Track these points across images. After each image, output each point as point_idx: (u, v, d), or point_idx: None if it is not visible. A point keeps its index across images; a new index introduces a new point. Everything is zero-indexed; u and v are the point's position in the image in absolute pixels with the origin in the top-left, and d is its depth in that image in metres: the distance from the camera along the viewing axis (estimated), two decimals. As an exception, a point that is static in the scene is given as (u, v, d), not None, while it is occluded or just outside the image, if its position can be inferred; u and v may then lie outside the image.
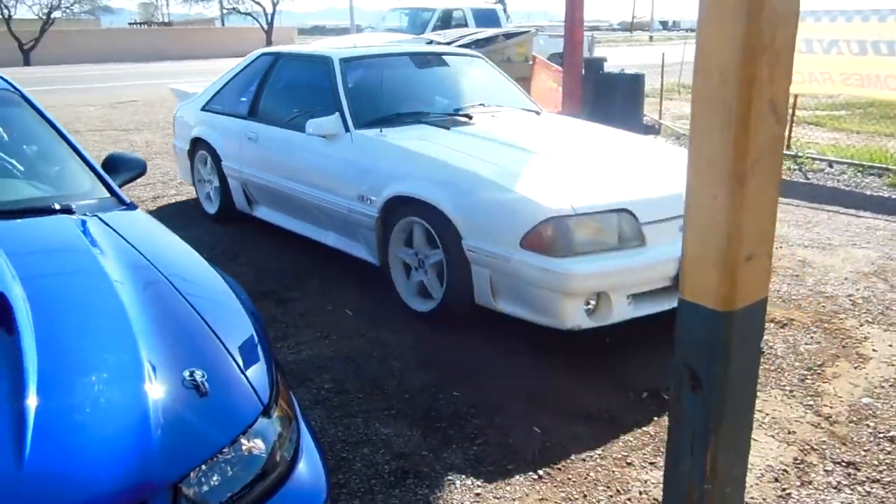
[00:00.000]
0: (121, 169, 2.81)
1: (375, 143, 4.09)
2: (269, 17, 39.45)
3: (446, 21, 13.23)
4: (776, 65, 1.22)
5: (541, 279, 3.19)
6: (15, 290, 1.67)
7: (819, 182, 6.92)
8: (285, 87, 5.10)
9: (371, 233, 4.00)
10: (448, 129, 4.21)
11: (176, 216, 5.62)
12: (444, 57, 5.35)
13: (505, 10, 14.32)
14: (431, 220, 3.61)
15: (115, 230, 2.19)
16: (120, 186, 2.76)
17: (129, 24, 43.73)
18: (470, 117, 4.47)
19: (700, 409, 1.39)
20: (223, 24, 45.38)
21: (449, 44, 10.82)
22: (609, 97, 9.05)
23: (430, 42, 11.37)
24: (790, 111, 8.18)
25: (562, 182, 3.48)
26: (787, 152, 7.84)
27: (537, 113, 4.98)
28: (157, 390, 1.51)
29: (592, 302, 3.27)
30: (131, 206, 2.53)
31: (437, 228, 3.58)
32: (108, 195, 2.54)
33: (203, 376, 1.56)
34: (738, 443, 1.44)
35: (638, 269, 3.30)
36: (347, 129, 4.24)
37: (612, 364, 3.35)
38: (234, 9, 42.00)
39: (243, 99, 5.26)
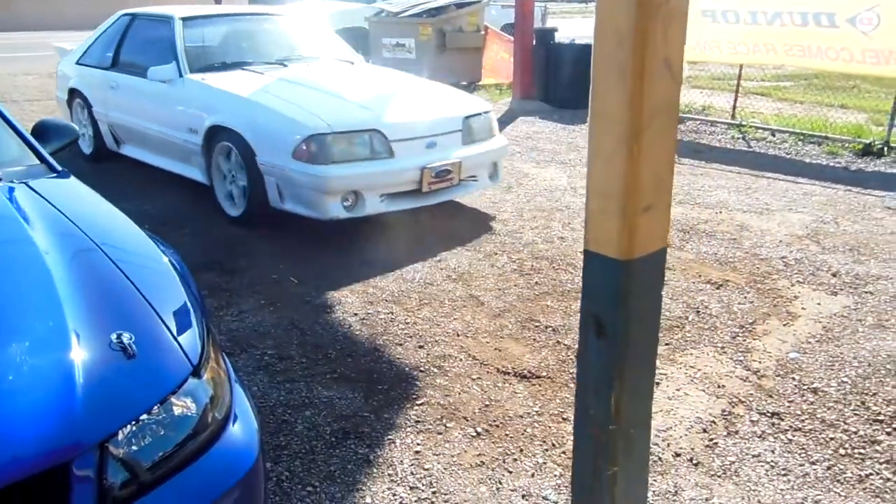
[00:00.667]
0: (52, 136, 2.76)
1: (199, 85, 5.03)
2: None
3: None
4: (670, 23, 1.27)
5: (307, 182, 4.21)
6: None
7: (761, 150, 7.09)
8: (139, 42, 5.94)
9: (200, 158, 4.98)
10: (262, 73, 5.16)
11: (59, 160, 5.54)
12: (276, 17, 6.39)
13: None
14: (237, 143, 4.57)
15: (43, 197, 2.16)
16: (52, 154, 2.72)
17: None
18: (285, 65, 5.44)
19: (604, 355, 1.45)
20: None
21: (399, 13, 10.76)
22: (559, 67, 9.09)
23: (381, 12, 11.28)
24: (736, 82, 8.34)
25: (331, 110, 4.44)
26: (732, 121, 8.00)
27: (351, 63, 5.88)
28: (81, 354, 1.51)
29: (351, 199, 4.27)
30: (63, 174, 2.49)
31: (240, 150, 4.55)
32: (37, 162, 2.50)
33: (131, 338, 1.57)
34: (641, 386, 1.52)
35: (386, 175, 4.34)
36: (181, 75, 5.16)
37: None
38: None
39: (108, 53, 6.15)
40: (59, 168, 2.51)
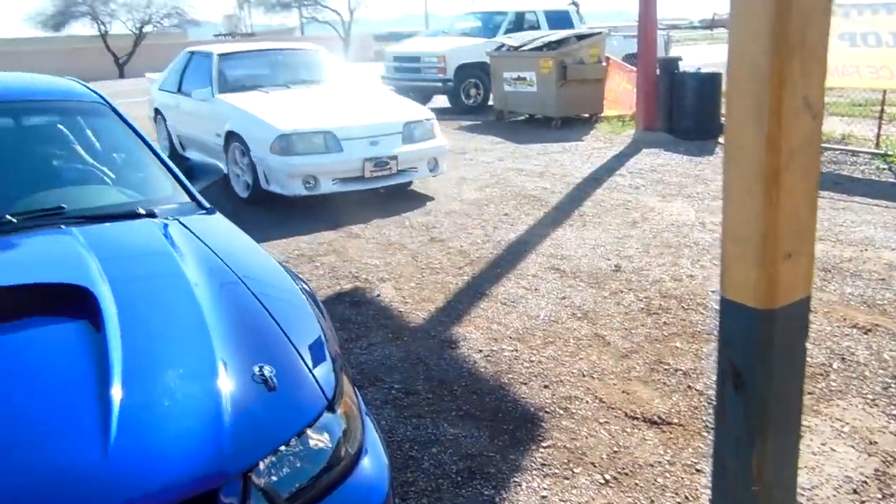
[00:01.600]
0: (200, 175, 2.96)
1: (223, 102, 6.88)
2: (346, 26, 40.25)
3: (519, 24, 13.19)
4: (808, 61, 1.20)
5: (280, 168, 5.97)
6: (103, 289, 1.79)
7: (911, 182, 6.59)
8: (193, 72, 7.93)
9: (223, 155, 6.65)
10: (267, 93, 7.00)
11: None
12: (294, 51, 8.68)
13: (578, 12, 14.13)
14: (241, 143, 6.39)
15: (194, 233, 2.31)
16: (200, 191, 2.91)
17: (214, 35, 45.34)
18: (288, 87, 7.30)
19: (743, 409, 1.36)
20: (302, 34, 46.56)
21: (518, 47, 10.84)
22: (684, 97, 8.85)
23: (501, 46, 11.41)
24: (880, 108, 7.81)
25: (300, 117, 6.24)
26: (876, 151, 7.49)
27: (344, 84, 7.71)
28: (227, 385, 1.59)
29: (311, 181, 5.98)
30: (211, 210, 2.65)
31: (244, 148, 6.36)
32: (188, 200, 2.67)
33: (272, 372, 1.63)
34: (785, 445, 1.41)
35: (335, 164, 6.06)
36: (213, 95, 7.05)
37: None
38: (312, 18, 43.07)
39: (175, 80, 8.22)
40: (207, 205, 2.68)
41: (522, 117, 11.48)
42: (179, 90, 8.00)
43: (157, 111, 8.79)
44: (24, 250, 2.09)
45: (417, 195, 6.65)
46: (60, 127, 2.93)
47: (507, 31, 12.80)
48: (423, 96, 13.91)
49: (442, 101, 13.41)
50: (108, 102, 2.97)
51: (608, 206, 6.06)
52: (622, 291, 4.20)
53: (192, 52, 8.33)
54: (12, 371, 1.55)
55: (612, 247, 5.01)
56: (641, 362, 3.36)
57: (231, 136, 6.55)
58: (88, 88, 3.08)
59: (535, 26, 13.19)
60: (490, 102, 12.28)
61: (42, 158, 2.81)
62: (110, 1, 35.76)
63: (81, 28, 36.84)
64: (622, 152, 8.43)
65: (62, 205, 2.37)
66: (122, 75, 30.74)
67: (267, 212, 6.19)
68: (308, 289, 2.26)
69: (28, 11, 35.89)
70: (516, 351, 3.50)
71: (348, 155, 6.10)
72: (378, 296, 4.26)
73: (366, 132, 6.27)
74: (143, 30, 36.02)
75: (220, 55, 7.60)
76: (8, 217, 2.25)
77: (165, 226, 2.33)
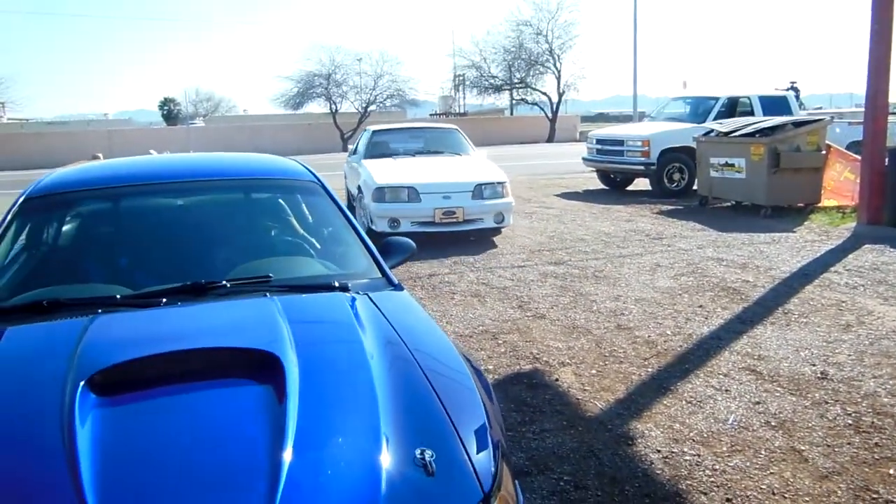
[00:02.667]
0: (394, 251, 3.15)
1: (363, 164, 9.44)
2: (554, 107, 41.21)
3: (731, 110, 12.74)
4: None
5: (374, 212, 8.22)
6: (290, 355, 1.95)
7: None
8: (361, 143, 10.65)
9: (360, 203, 9.08)
10: (394, 160, 9.49)
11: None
12: (428, 128, 12.30)
13: (798, 97, 13.41)
14: (362, 193, 8.80)
15: (378, 308, 2.45)
16: (393, 267, 3.10)
17: (430, 115, 48.43)
18: (412, 155, 9.78)
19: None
20: (512, 114, 48.31)
21: (728, 133, 10.47)
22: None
23: (710, 131, 11.08)
24: None
25: (400, 176, 8.55)
26: None
27: (459, 155, 10.00)
28: (388, 462, 1.64)
29: (395, 223, 8.08)
30: (398, 287, 2.81)
31: (363, 196, 8.76)
32: (380, 276, 2.85)
33: (432, 456, 1.67)
34: None
35: (415, 212, 8.20)
36: (360, 160, 9.68)
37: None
38: (522, 100, 44.57)
39: (354, 150, 11.04)
40: (396, 282, 2.84)
41: (728, 204, 10.98)
42: (352, 155, 10.88)
43: (344, 175, 11.38)
44: (231, 313, 2.34)
45: (607, 278, 6.54)
46: (278, 202, 3.29)
47: (719, 117, 12.41)
48: (625, 179, 13.85)
49: (644, 183, 13.21)
50: (320, 182, 3.29)
51: (818, 305, 5.57)
52: (827, 402, 3.81)
53: (367, 129, 11.10)
54: (200, 426, 1.73)
55: (818, 351, 4.58)
56: (844, 486, 3.00)
57: (359, 189, 8.99)
58: (306, 168, 3.43)
59: (749, 111, 12.69)
60: (694, 188, 11.90)
61: (260, 230, 3.16)
62: (343, 84, 39.60)
63: (316, 107, 41.08)
64: (839, 247, 7.75)
65: (269, 274, 2.63)
66: (344, 149, 33.65)
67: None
68: (479, 370, 2.31)
69: (275, 93, 40.50)
70: (699, 456, 3.28)
71: (424, 205, 8.25)
72: (556, 380, 4.21)
73: (441, 189, 8.36)
74: (368, 109, 39.33)
75: (374, 131, 10.71)
76: (224, 282, 2.54)
77: (354, 299, 2.49)
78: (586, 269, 6.98)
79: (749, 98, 13.05)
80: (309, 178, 3.29)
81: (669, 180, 12.54)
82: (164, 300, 2.42)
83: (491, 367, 4.43)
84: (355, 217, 8.09)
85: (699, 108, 13.33)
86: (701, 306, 5.63)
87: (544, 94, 42.23)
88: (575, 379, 4.23)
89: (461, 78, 46.76)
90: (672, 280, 6.47)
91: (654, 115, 14.87)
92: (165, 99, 67.46)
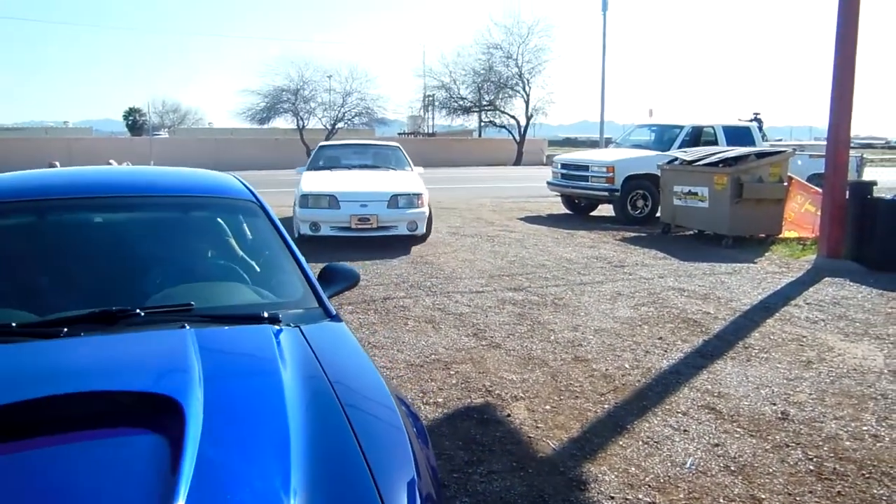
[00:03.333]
0: (335, 279, 2.92)
1: (303, 175, 10.60)
2: (522, 130, 41.40)
3: (695, 139, 12.77)
4: None
5: (298, 216, 9.47)
6: (195, 399, 1.72)
7: None
8: (312, 158, 11.80)
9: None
10: (330, 171, 10.77)
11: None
12: (371, 145, 13.18)
13: (761, 129, 13.53)
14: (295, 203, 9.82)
15: (308, 343, 2.22)
16: (332, 296, 2.87)
17: (399, 133, 48.29)
18: (351, 168, 11.03)
19: None
20: (480, 136, 48.43)
21: (692, 161, 10.46)
22: (876, 224, 8.02)
23: (674, 159, 11.08)
24: None
25: (326, 185, 9.74)
26: None
27: (395, 170, 11.19)
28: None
29: (315, 226, 9.32)
30: (336, 318, 2.59)
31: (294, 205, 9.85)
32: (316, 305, 2.62)
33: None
34: None
35: (333, 217, 9.30)
36: (301, 172, 11.04)
37: None
38: (490, 122, 44.72)
39: (307, 162, 11.97)
40: (334, 313, 2.61)
41: (690, 232, 10.96)
42: (307, 168, 11.62)
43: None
44: (138, 348, 2.09)
45: (567, 306, 6.38)
46: (212, 222, 3.03)
47: (683, 145, 12.44)
48: (589, 204, 13.81)
49: (608, 209, 13.17)
50: (258, 200, 3.05)
51: (778, 340, 5.46)
52: (788, 445, 3.66)
53: (320, 145, 12.49)
54: (74, 490, 1.48)
55: (779, 389, 4.44)
56: (805, 540, 2.83)
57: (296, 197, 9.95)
58: (244, 185, 3.19)
59: (713, 141, 12.74)
60: (657, 215, 11.88)
61: (189, 252, 2.90)
62: (311, 100, 39.26)
63: (283, 122, 40.62)
64: (800, 279, 7.70)
65: (191, 302, 2.38)
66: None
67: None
68: (414, 413, 2.12)
69: (241, 107, 39.89)
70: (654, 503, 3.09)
71: (343, 211, 9.33)
72: (508, 416, 4.00)
73: (358, 197, 9.46)
74: (336, 126, 39.03)
75: (321, 145, 12.43)
76: (138, 311, 2.29)
77: (280, 332, 2.26)
78: (546, 296, 6.81)
79: (713, 127, 13.12)
80: (246, 197, 3.05)
81: (633, 207, 12.51)
82: (66, 330, 2.16)
83: (440, 401, 4.21)
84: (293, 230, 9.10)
85: (664, 136, 13.36)
86: (661, 338, 5.48)
87: (513, 116, 42.47)
88: (528, 415, 4.02)
89: (430, 98, 46.80)
90: (632, 310, 6.33)
91: (619, 141, 14.89)
92: (130, 109, 66.46)
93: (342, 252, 8.90)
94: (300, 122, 38.72)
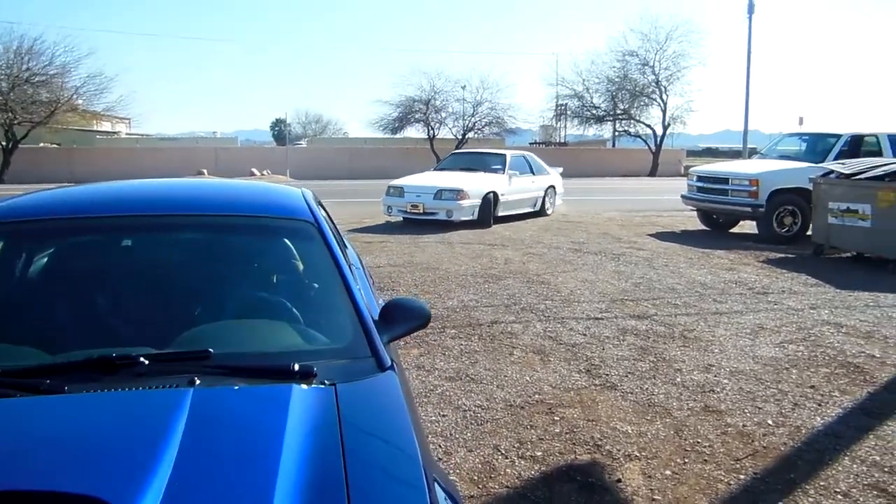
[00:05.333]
0: (399, 319, 2.39)
1: (425, 174, 14.55)
2: (658, 140, 39.62)
3: (854, 149, 11.31)
4: None
5: (383, 202, 13.38)
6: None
7: None
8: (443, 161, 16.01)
9: None
10: (441, 172, 14.46)
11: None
12: (488, 152, 15.80)
13: (936, 137, 11.82)
14: None
15: (339, 410, 1.73)
16: (394, 340, 2.37)
17: (530, 143, 47.56)
18: (455, 170, 14.13)
19: None
20: (614, 146, 46.85)
21: (852, 175, 9.23)
22: None
23: (830, 172, 9.85)
24: None
25: (408, 180, 13.44)
26: None
27: (489, 172, 13.69)
28: None
29: (390, 210, 13.21)
30: (390, 369, 2.08)
31: None
32: (367, 354, 2.12)
33: None
34: None
35: (399, 203, 12.97)
36: (430, 170, 15.86)
37: None
38: (625, 131, 43.16)
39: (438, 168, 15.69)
40: (388, 362, 2.10)
41: (847, 255, 9.66)
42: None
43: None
44: (110, 421, 1.64)
45: (698, 340, 5.57)
46: (259, 247, 2.61)
47: (840, 156, 11.07)
48: (729, 221, 12.64)
49: (750, 226, 11.98)
50: (317, 222, 2.58)
51: (968, 397, 4.43)
52: None
53: (451, 153, 16.33)
54: None
55: (972, 467, 3.50)
56: None
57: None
58: (304, 201, 2.75)
59: (876, 152, 11.27)
60: (808, 234, 10.61)
61: (227, 283, 2.47)
62: (442, 110, 39.38)
63: (414, 132, 41.00)
64: None
65: (210, 349, 1.94)
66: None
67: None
68: (457, 499, 1.62)
69: (374, 117, 40.69)
70: None
71: (405, 199, 12.60)
72: (618, 482, 3.33)
73: (415, 190, 12.65)
74: (466, 135, 38.92)
75: (452, 153, 16.61)
76: (142, 358, 1.87)
77: (307, 394, 1.77)
78: (674, 326, 6.01)
79: (877, 136, 11.62)
80: (301, 216, 2.59)
81: (780, 224, 11.26)
82: (49, 382, 1.77)
83: (539, 454, 3.60)
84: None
85: (817, 146, 12.00)
86: (813, 387, 4.59)
87: (648, 126, 40.74)
88: (643, 481, 3.33)
89: (563, 107, 45.78)
90: (777, 348, 5.42)
91: (765, 151, 13.56)
92: (276, 120, 69.98)
93: (453, 263, 8.45)
94: (431, 132, 38.94)
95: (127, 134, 53.57)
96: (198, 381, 1.81)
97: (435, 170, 14.79)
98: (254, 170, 32.78)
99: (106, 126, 48.84)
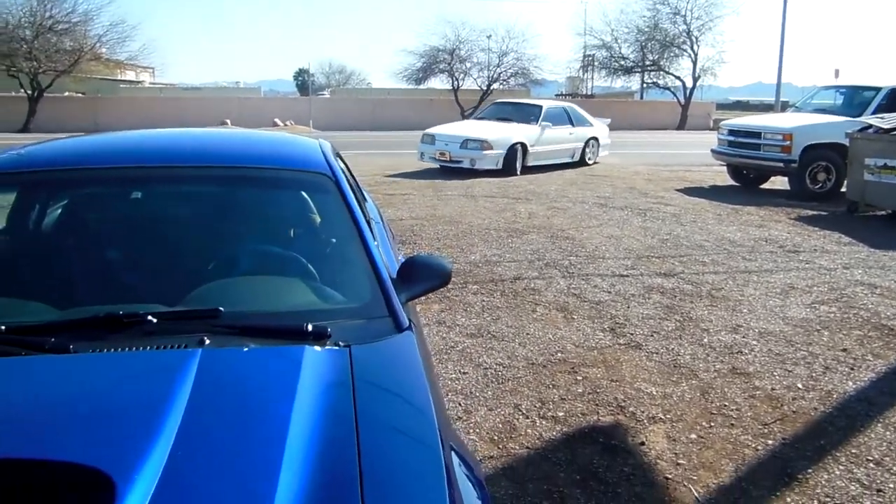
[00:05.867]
0: (418, 277, 2.28)
1: (461, 122, 16.47)
2: (688, 92, 38.72)
3: (894, 103, 10.92)
4: None
5: (419, 148, 14.04)
6: (147, 471, 1.19)
7: None
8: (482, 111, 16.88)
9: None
10: (477, 120, 15.31)
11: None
12: (521, 102, 16.69)
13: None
14: None
15: (353, 374, 1.65)
16: (413, 298, 2.27)
17: (556, 95, 46.73)
18: (491, 120, 14.70)
19: None
20: (642, 98, 45.88)
21: (891, 130, 8.89)
22: None
23: (868, 127, 9.51)
24: None
25: (441, 129, 14.15)
26: None
27: (521, 123, 14.14)
28: None
29: (423, 156, 13.87)
30: (408, 329, 1.99)
31: None
32: (385, 314, 2.03)
33: None
34: None
35: (430, 150, 13.60)
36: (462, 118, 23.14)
37: None
38: (654, 83, 42.20)
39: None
40: (406, 324, 2.01)
41: (883, 213, 9.38)
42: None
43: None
44: (114, 382, 1.58)
45: (726, 299, 5.43)
46: (274, 200, 2.50)
47: (879, 111, 10.67)
48: (760, 176, 12.33)
49: (781, 182, 11.68)
50: (334, 175, 2.48)
51: None
52: None
53: (493, 103, 16.93)
54: None
55: None
56: None
57: None
58: (321, 152, 2.64)
59: (917, 106, 10.84)
60: (842, 191, 10.32)
61: (240, 238, 2.38)
62: (466, 60, 38.69)
63: (438, 83, 40.41)
64: None
65: (220, 307, 1.86)
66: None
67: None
68: (473, 464, 1.62)
69: (398, 68, 40.15)
70: None
71: (435, 146, 13.18)
72: (642, 444, 3.26)
73: (445, 139, 13.24)
74: (491, 87, 38.30)
75: (494, 103, 16.73)
76: (149, 316, 1.80)
77: (319, 356, 1.69)
78: (701, 285, 5.88)
79: (919, 90, 11.17)
80: (316, 168, 2.48)
81: (813, 181, 10.95)
82: (53, 340, 1.70)
83: (561, 415, 3.53)
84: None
85: (854, 100, 11.58)
86: (845, 350, 4.46)
87: (678, 78, 39.76)
88: (667, 445, 3.25)
89: (590, 58, 44.78)
90: (808, 309, 5.27)
91: (799, 105, 13.13)
92: (300, 70, 69.37)
93: (476, 216, 8.34)
94: (455, 83, 38.35)
95: (151, 83, 53.47)
96: (207, 341, 1.74)
97: (474, 118, 16.07)
98: (276, 120, 32.61)
99: (130, 75, 48.73)
